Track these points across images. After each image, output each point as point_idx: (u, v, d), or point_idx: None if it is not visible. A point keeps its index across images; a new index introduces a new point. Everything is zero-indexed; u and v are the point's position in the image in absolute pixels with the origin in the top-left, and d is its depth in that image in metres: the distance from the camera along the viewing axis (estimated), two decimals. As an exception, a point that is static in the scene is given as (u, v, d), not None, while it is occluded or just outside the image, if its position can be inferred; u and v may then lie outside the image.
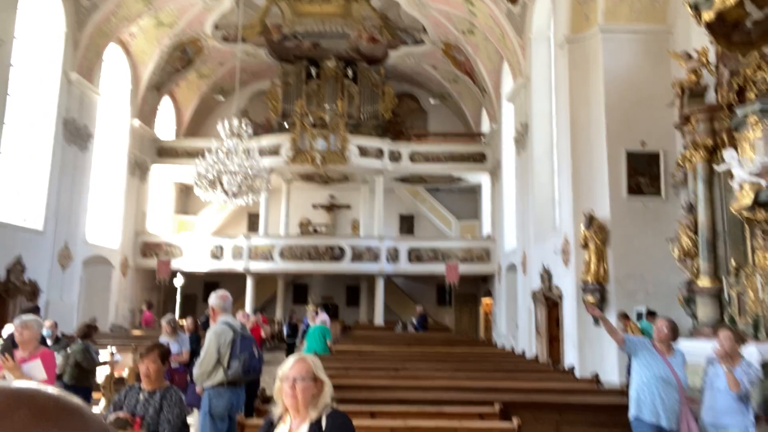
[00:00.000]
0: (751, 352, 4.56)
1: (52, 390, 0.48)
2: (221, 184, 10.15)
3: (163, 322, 6.98)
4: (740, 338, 4.22)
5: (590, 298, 10.67)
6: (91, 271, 16.37)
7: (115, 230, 17.75)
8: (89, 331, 6.52)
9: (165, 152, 20.05)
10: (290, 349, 15.39)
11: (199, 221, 22.02)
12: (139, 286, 19.21)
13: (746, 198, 5.04)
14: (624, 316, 9.59)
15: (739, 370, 3.88)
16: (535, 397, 4.75)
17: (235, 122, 10.55)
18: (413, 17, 17.56)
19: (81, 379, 6.08)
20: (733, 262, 8.63)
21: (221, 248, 18.98)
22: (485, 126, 20.43)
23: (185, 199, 22.69)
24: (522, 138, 15.09)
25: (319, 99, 21.40)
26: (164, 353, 3.26)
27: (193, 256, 18.94)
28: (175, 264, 18.55)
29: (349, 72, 21.69)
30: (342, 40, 20.32)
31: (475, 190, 22.31)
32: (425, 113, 23.39)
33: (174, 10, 16.68)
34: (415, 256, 18.90)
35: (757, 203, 5.04)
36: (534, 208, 13.94)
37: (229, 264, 18.82)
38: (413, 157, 19.75)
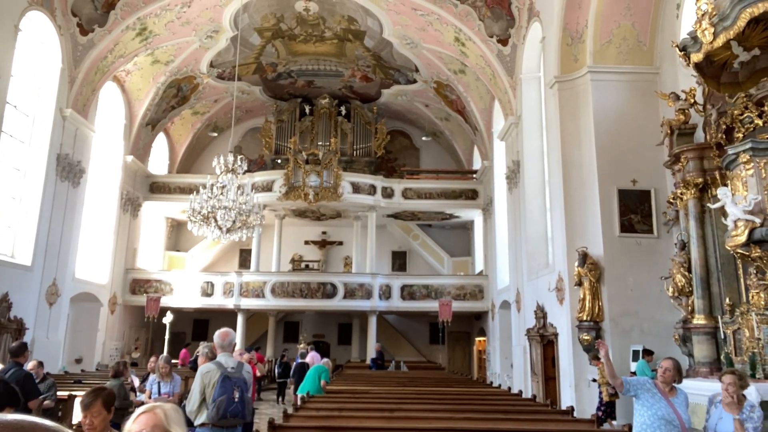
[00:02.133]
0: (750, 392, 4.50)
1: (51, 423, 0.47)
2: (215, 219, 10.10)
3: (161, 362, 6.77)
4: (745, 381, 4.16)
5: (586, 336, 10.58)
6: (78, 308, 16.07)
7: (104, 266, 17.53)
8: (122, 370, 6.41)
9: (157, 188, 20.02)
10: (281, 389, 15.06)
11: (190, 258, 21.83)
12: (128, 324, 18.86)
13: (741, 236, 5.07)
14: (595, 358, 9.54)
15: (744, 414, 3.81)
16: (536, 440, 4.64)
17: (230, 158, 10.57)
18: (406, 57, 17.94)
19: (115, 416, 5.90)
20: (727, 300, 8.62)
21: (212, 285, 18.76)
22: (477, 163, 20.64)
23: (176, 235, 22.55)
24: (513, 176, 15.23)
25: (313, 136, 21.62)
26: (108, 400, 2.90)
27: (183, 293, 18.70)
28: (165, 301, 18.29)
29: (343, 110, 22.00)
30: (336, 79, 20.66)
31: (467, 227, 22.37)
32: (417, 150, 23.64)
33: (170, 48, 16.93)
34: (407, 293, 18.77)
35: (752, 241, 5.06)
36: (527, 245, 13.96)
37: (219, 301, 18.58)
38: (406, 194, 19.84)
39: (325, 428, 5.20)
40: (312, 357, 12.34)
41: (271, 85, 20.98)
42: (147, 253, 20.44)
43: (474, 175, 20.73)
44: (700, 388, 7.30)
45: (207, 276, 19.40)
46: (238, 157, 10.93)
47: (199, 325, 21.05)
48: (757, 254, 5.11)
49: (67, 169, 14.68)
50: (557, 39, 12.15)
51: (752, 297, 8.04)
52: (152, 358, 7.53)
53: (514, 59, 14.84)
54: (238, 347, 15.23)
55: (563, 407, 8.87)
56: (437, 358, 21.02)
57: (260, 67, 19.52)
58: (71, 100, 14.65)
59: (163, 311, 17.81)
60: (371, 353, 18.20)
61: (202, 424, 4.21)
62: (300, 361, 13.22)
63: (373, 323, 18.51)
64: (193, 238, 20.08)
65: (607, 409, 8.92)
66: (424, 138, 23.12)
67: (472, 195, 19.93)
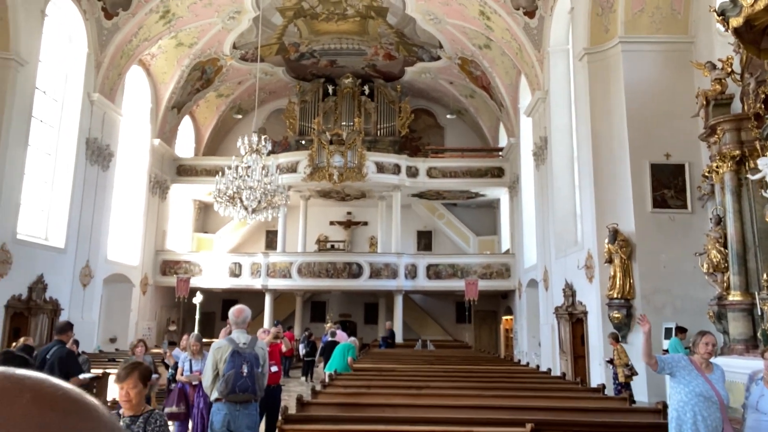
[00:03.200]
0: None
1: (60, 381, 0.45)
2: (241, 200, 10.15)
3: (192, 340, 6.85)
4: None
5: (617, 314, 10.40)
6: (111, 289, 16.46)
7: (135, 248, 17.88)
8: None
9: (184, 171, 20.25)
10: (307, 367, 15.24)
11: (218, 239, 22.12)
12: (159, 304, 19.28)
13: (784, 208, 4.84)
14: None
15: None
16: (567, 417, 4.56)
17: (255, 138, 10.57)
18: (429, 33, 17.62)
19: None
20: (765, 276, 8.34)
21: (239, 265, 19.00)
22: (503, 140, 20.32)
23: (204, 217, 22.85)
24: (541, 152, 14.93)
25: (336, 116, 21.52)
26: (145, 374, 2.93)
27: (212, 274, 18.99)
28: (194, 281, 18.60)
29: (366, 89, 21.81)
30: (359, 58, 20.45)
31: (493, 205, 22.12)
32: (442, 129, 23.36)
33: (193, 31, 16.95)
34: (433, 272, 18.72)
35: (796, 213, 4.84)
36: (554, 222, 13.73)
37: (247, 281, 18.82)
38: (430, 173, 19.67)
39: (353, 405, 5.22)
40: (339, 336, 12.42)
41: (293, 65, 20.89)
42: (176, 235, 20.78)
43: (500, 153, 20.41)
44: (736, 366, 7.11)
45: (234, 257, 19.64)
46: (263, 137, 10.93)
47: (228, 304, 21.16)
48: (801, 226, 4.89)
49: (97, 152, 14.92)
50: (587, 9, 11.77)
51: (792, 272, 7.76)
52: (184, 337, 7.64)
53: (541, 32, 14.44)
54: (266, 326, 15.47)
55: (593, 385, 8.76)
56: (464, 337, 21.00)
57: (283, 47, 19.43)
58: (98, 84, 14.82)
59: (192, 291, 18.14)
60: (398, 332, 18.28)
61: (217, 399, 4.26)
62: (328, 339, 13.33)
63: (399, 302, 18.54)
64: (220, 220, 20.30)
65: (623, 390, 8.77)
66: (448, 116, 22.81)
67: (497, 173, 19.65)
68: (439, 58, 19.14)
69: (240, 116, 22.77)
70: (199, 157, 21.53)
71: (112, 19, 14.65)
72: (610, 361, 9.55)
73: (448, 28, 17.00)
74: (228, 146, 22.33)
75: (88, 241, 14.57)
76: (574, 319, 12.47)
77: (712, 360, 4.06)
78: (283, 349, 7.64)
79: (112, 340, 16.45)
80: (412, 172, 19.49)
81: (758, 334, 8.23)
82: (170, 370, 7.34)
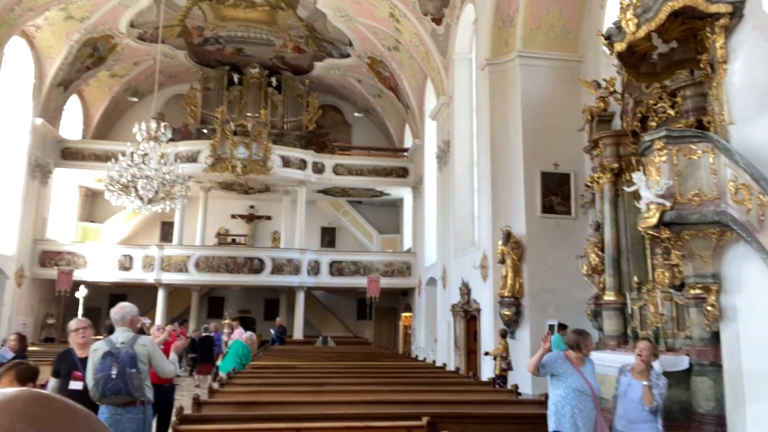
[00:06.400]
0: (653, 363, 4.90)
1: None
2: (136, 189, 9.58)
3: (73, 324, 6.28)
4: (656, 350, 4.52)
5: (507, 312, 11.07)
6: (-21, 282, 14.87)
7: (10, 237, 16.25)
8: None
9: (70, 154, 18.71)
10: (193, 365, 14.51)
11: (106, 229, 20.68)
12: (37, 298, 17.68)
13: (652, 218, 5.44)
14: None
15: (652, 381, 4.14)
16: (461, 410, 4.82)
17: (153, 124, 10.02)
18: (340, 30, 17.63)
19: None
20: (635, 278, 9.28)
21: (130, 258, 17.92)
22: (408, 141, 20.81)
23: (91, 205, 21.25)
24: (444, 155, 15.49)
25: (241, 107, 20.91)
26: (24, 374, 2.73)
27: (99, 267, 17.74)
28: (78, 274, 17.28)
29: (273, 81, 21.39)
30: (266, 48, 20.01)
31: (397, 204, 22.60)
32: (349, 126, 23.47)
33: (86, 4, 15.70)
34: (336, 269, 18.80)
35: (662, 223, 5.45)
36: (454, 223, 14.31)
37: (138, 275, 17.80)
38: (337, 170, 19.72)
39: (252, 403, 5.15)
40: (239, 333, 12.08)
41: (197, 50, 20.01)
42: (58, 224, 19.16)
43: (405, 153, 20.89)
44: (609, 360, 7.84)
45: (125, 249, 18.49)
46: (162, 124, 10.38)
47: (116, 300, 19.92)
48: (666, 235, 5.52)
49: (-34, 130, 13.40)
50: (489, 22, 12.36)
51: (658, 275, 8.70)
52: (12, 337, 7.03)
53: (447, 39, 14.97)
54: (158, 323, 14.70)
55: (484, 379, 9.27)
56: (364, 334, 21.29)
57: (186, 30, 18.54)
58: (-30, 53, 13.31)
59: (76, 285, 16.84)
60: (299, 329, 18.16)
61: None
62: (204, 335, 12.84)
63: (300, 299, 18.42)
64: (110, 209, 18.98)
65: (499, 381, 9.45)
66: (356, 114, 22.97)
67: (402, 173, 20.11)
68: (348, 55, 19.22)
69: (135, 99, 21.42)
70: (87, 140, 19.96)
71: (-11, -17, 13.22)
72: (488, 353, 10.26)
73: (359, 27, 17.12)
74: (121, 130, 20.92)
75: (-47, 228, 13.05)
76: (468, 316, 13.09)
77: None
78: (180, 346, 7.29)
79: (-21, 338, 14.85)
80: (319, 168, 19.43)
81: (628, 331, 9.14)
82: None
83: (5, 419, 0.46)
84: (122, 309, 4.34)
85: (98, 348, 4.14)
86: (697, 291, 5.63)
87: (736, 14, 5.54)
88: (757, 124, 5.35)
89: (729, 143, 5.44)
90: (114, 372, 3.97)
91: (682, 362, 7.46)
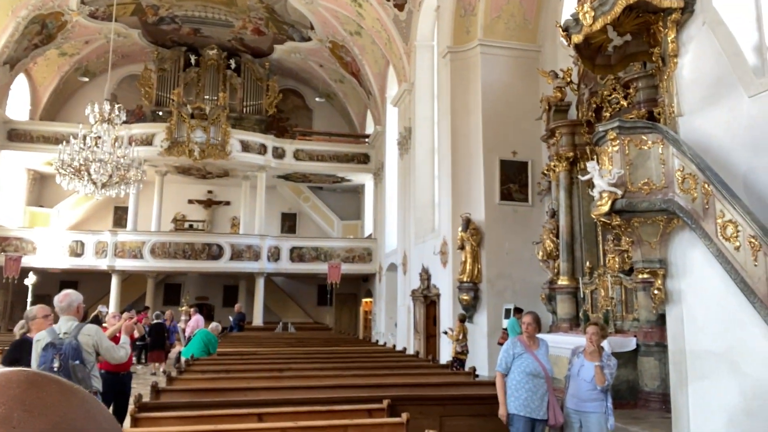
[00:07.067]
0: (603, 344, 5.14)
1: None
2: (89, 173, 9.26)
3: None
4: (605, 331, 4.74)
5: (465, 296, 11.29)
6: None
7: (-50, 222, 15.48)
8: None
9: (17, 136, 17.88)
10: (145, 353, 14.06)
11: (56, 214, 19.92)
12: (-20, 286, 16.95)
13: (605, 206, 5.65)
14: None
15: (603, 362, 4.34)
16: (420, 392, 4.93)
17: (106, 106, 9.68)
18: (301, 13, 17.36)
19: None
20: (588, 264, 9.63)
21: (82, 244, 17.34)
22: (370, 128, 20.78)
23: (40, 189, 20.42)
24: (405, 142, 15.56)
25: (199, 89, 20.42)
26: None
27: (49, 252, 17.11)
28: (27, 261, 16.64)
29: (232, 63, 20.94)
30: (225, 29, 19.54)
31: (358, 191, 22.60)
32: (310, 111, 23.24)
33: (32, -22, 14.94)
34: (297, 255, 18.71)
35: (613, 210, 5.66)
36: (415, 210, 14.44)
37: (90, 261, 17.26)
38: (297, 155, 19.54)
39: (213, 390, 5.13)
40: (196, 320, 11.95)
41: (151, 29, 19.36)
42: (5, 208, 18.34)
43: (366, 140, 20.86)
44: (562, 342, 8.14)
45: (76, 234, 17.87)
46: (116, 106, 10.04)
47: (67, 287, 19.07)
48: (617, 222, 5.74)
49: None
50: (451, 9, 12.42)
51: (609, 261, 9.06)
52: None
53: (409, 25, 14.96)
54: (112, 310, 14.33)
55: (443, 362, 9.47)
56: (325, 320, 21.33)
57: (140, 8, 17.89)
58: None
59: (24, 272, 16.22)
60: (258, 315, 18.03)
61: None
62: (155, 321, 12.59)
63: (260, 285, 18.27)
64: (60, 193, 18.29)
65: (457, 364, 9.69)
66: (317, 99, 22.75)
67: (363, 159, 20.10)
68: (309, 39, 18.97)
69: (87, 79, 20.59)
70: (35, 121, 19.10)
71: (-76, -49, 12.39)
72: (446, 332, 10.50)
73: (320, 10, 16.90)
74: (72, 111, 20.12)
75: None
76: (428, 301, 13.29)
77: (539, 335, 4.63)
78: (136, 334, 7.18)
79: None
80: (279, 153, 19.21)
81: (580, 314, 9.49)
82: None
83: (1, 407, 0.44)
84: (68, 297, 4.16)
85: (41, 338, 3.99)
86: (645, 275, 5.89)
87: (687, 9, 5.75)
88: (704, 116, 5.61)
89: (677, 134, 5.68)
90: (56, 365, 3.82)
91: (630, 343, 7.83)
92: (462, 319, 10.43)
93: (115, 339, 4.98)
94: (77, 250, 17.30)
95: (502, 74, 12.06)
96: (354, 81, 19.78)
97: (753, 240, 4.73)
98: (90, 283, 17.96)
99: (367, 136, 20.87)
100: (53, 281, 18.51)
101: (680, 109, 5.84)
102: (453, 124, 12.22)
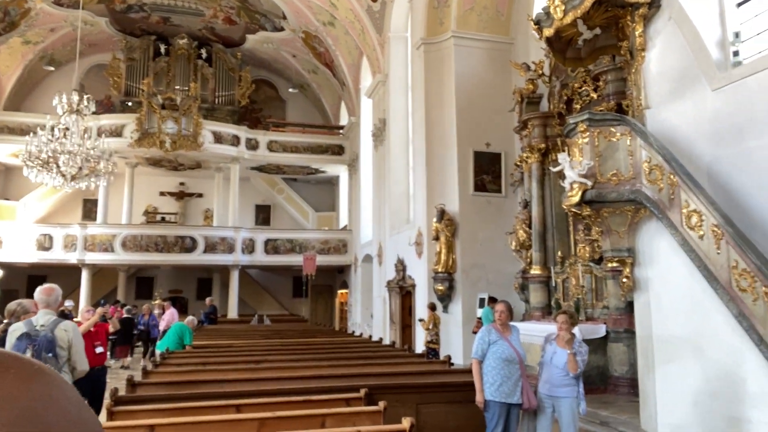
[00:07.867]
0: (573, 331, 5.29)
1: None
2: (57, 165, 9.05)
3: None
4: (575, 319, 4.88)
5: (440, 287, 11.41)
6: None
7: None
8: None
9: (-21, 127, 17.33)
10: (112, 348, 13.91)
11: (22, 207, 19.39)
12: (-57, 282, 16.44)
13: (575, 196, 5.78)
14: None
15: (575, 349, 4.47)
16: (397, 381, 5.01)
17: (75, 97, 9.45)
18: (273, 2, 17.17)
19: None
20: (559, 253, 9.84)
21: (50, 237, 16.95)
22: (344, 119, 20.71)
23: (4, 181, 19.84)
24: (380, 133, 15.57)
25: (169, 79, 20.05)
26: None
27: (15, 246, 16.68)
28: (-9, 255, 16.20)
29: (203, 53, 20.61)
30: (195, 18, 19.20)
31: (332, 182, 22.54)
32: (283, 102, 23.04)
33: (-7, -37, 14.44)
34: (271, 247, 18.61)
35: (583, 201, 5.81)
36: (390, 201, 14.50)
37: (59, 255, 16.89)
38: (271, 147, 19.38)
39: (189, 382, 5.11)
40: (171, 314, 11.82)
41: (119, 17, 18.90)
42: (-34, 202, 17.79)
43: (341, 131, 20.80)
44: (534, 329, 8.33)
45: (44, 228, 17.44)
46: (85, 96, 9.81)
47: (34, 281, 18.92)
48: (587, 213, 5.88)
49: None
50: (424, 1, 12.44)
51: (579, 250, 9.27)
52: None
53: (383, 16, 14.93)
54: (82, 305, 14.08)
55: (418, 351, 9.59)
56: (300, 311, 21.29)
57: (107, -4, 17.45)
58: None
59: (-11, 267, 15.80)
60: (233, 308, 17.92)
61: None
62: (125, 316, 12.44)
63: (235, 278, 18.14)
64: (26, 186, 17.81)
65: (431, 354, 9.84)
66: (290, 90, 22.55)
67: (338, 150, 20.04)
68: (282, 29, 18.77)
69: (52, 68, 20.01)
70: (-2, 112, 18.52)
71: None
72: (422, 320, 10.64)
73: (293, 0, 16.73)
74: (37, 102, 19.56)
75: None
76: (404, 292, 13.40)
77: (511, 323, 4.75)
78: (111, 329, 7.09)
79: None
80: (252, 145, 19.03)
81: (552, 303, 9.71)
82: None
83: None
84: (55, 291, 4.13)
85: (16, 329, 3.98)
86: (614, 264, 6.06)
87: (654, 4, 5.90)
88: (670, 109, 5.78)
89: (645, 126, 5.84)
90: (29, 355, 3.81)
91: (599, 330, 8.06)
92: (432, 308, 10.54)
93: (89, 334, 4.93)
94: (45, 244, 16.91)
95: (476, 66, 12.15)
96: (328, 72, 19.67)
97: (716, 229, 4.91)
98: (59, 278, 17.53)
99: (342, 128, 20.81)
100: (21, 276, 18.10)
101: (647, 101, 6.00)
102: (427, 115, 12.28)
